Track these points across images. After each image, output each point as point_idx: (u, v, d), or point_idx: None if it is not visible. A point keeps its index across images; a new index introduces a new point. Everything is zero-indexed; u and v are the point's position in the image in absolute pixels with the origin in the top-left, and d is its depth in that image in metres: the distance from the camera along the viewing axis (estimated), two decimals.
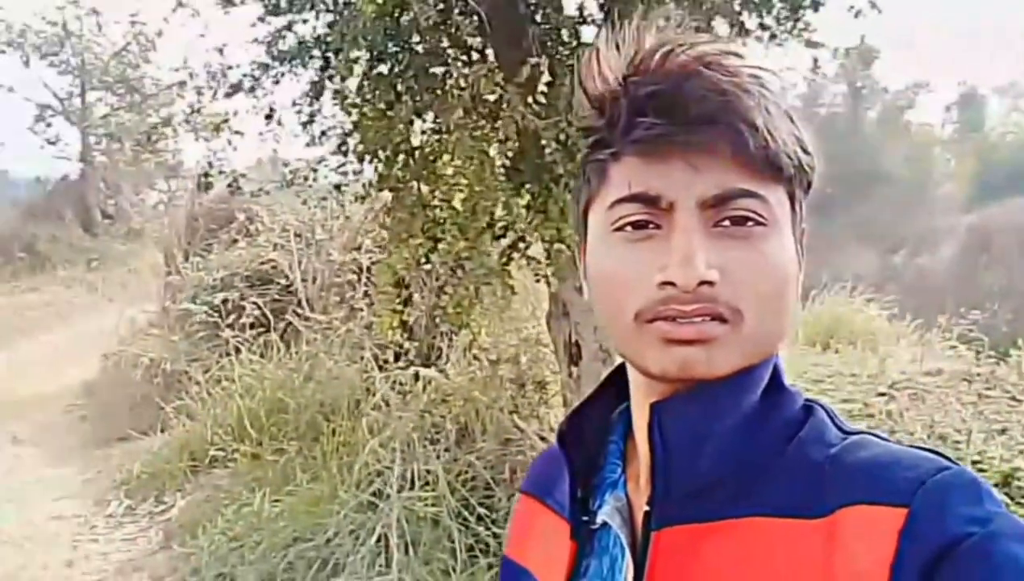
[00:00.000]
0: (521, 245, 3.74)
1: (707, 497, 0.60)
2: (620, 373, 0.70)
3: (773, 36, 3.79)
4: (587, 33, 3.55)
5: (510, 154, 3.40)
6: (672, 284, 0.58)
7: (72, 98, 15.45)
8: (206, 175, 4.19)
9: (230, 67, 3.83)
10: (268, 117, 3.87)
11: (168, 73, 14.49)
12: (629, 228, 0.61)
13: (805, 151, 0.62)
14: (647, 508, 0.63)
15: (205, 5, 4.11)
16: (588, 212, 0.66)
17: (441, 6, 3.30)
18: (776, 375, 0.64)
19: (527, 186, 3.52)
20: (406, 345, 4.38)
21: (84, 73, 15.23)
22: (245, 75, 3.76)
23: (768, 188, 0.60)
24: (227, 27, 4.18)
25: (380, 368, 4.52)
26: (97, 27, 15.22)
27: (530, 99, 3.19)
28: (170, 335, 6.66)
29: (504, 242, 3.77)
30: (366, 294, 5.58)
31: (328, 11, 3.50)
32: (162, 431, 5.51)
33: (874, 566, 0.52)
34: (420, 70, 3.46)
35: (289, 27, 3.72)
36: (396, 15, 3.25)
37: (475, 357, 4.58)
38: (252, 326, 5.93)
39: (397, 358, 4.62)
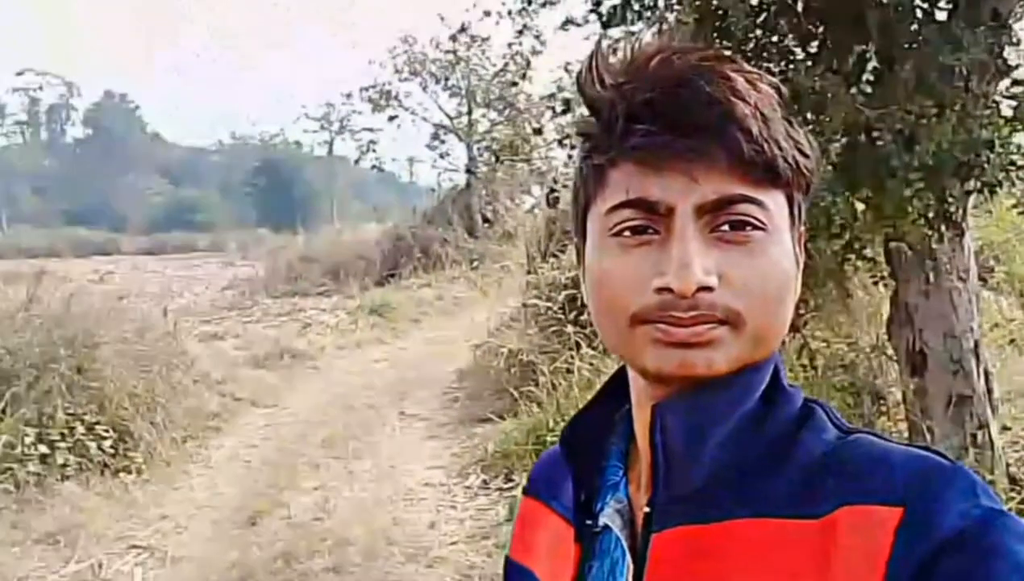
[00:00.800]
0: (856, 245, 3.52)
1: (706, 498, 0.60)
2: (622, 374, 0.71)
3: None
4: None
5: (839, 149, 3.24)
6: (670, 290, 0.58)
7: (460, 117, 17.53)
8: (552, 191, 4.62)
9: (560, 88, 4.16)
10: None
11: (539, 89, 15.77)
12: (627, 233, 0.61)
13: (803, 154, 0.61)
14: (647, 510, 0.63)
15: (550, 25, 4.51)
16: (587, 215, 0.66)
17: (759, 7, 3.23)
18: (776, 375, 0.63)
19: (860, 182, 3.31)
20: None
21: (470, 94, 17.20)
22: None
23: (766, 193, 0.60)
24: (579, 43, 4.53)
25: None
26: (481, 52, 17.10)
27: (854, 89, 2.99)
28: (526, 329, 7.29)
29: (839, 242, 3.58)
30: None
31: (651, 22, 3.62)
32: (514, 416, 6.08)
33: (870, 565, 0.52)
34: None
35: (620, 42, 3.92)
36: (716, 23, 3.25)
37: (811, 362, 4.39)
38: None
39: None
